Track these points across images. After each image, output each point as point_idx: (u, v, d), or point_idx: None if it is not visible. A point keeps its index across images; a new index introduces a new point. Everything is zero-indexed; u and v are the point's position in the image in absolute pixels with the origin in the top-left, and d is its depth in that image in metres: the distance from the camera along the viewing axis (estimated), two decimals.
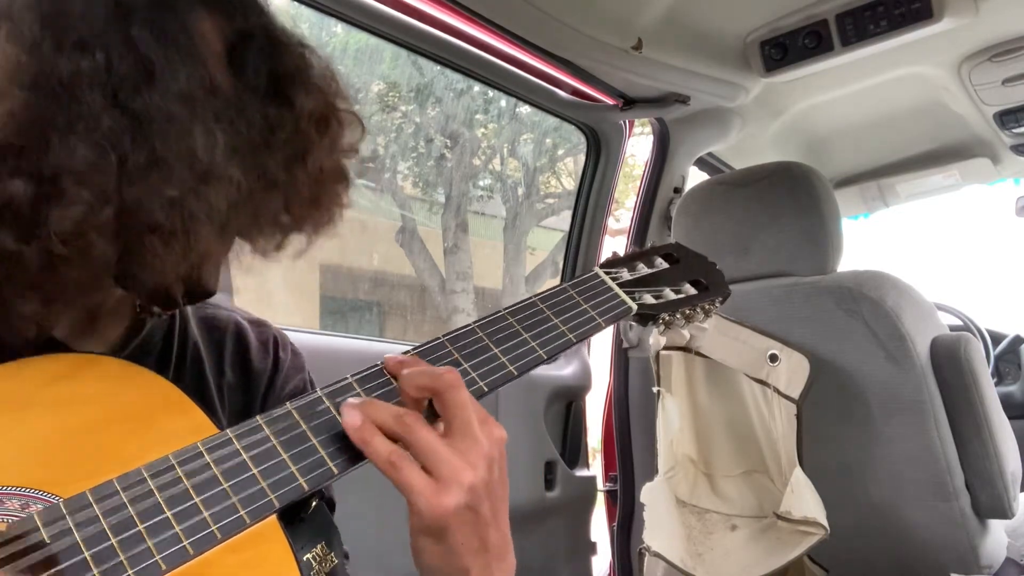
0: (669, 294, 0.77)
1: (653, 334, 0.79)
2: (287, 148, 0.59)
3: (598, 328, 0.70)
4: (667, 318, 0.76)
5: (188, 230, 0.52)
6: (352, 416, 0.54)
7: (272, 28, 0.61)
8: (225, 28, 0.58)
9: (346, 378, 0.58)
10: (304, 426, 0.54)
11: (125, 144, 0.50)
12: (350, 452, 0.54)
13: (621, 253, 0.81)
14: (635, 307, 0.73)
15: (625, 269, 0.77)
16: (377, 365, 0.59)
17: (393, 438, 0.53)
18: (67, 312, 0.58)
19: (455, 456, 0.52)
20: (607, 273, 0.75)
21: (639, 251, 0.81)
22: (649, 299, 0.75)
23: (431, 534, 0.52)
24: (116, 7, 0.52)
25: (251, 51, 0.58)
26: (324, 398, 0.56)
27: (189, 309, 0.73)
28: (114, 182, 0.50)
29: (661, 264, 0.80)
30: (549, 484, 1.82)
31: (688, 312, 0.77)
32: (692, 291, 0.79)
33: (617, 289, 0.74)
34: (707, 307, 0.79)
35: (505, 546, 0.56)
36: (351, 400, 0.55)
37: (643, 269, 0.78)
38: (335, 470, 0.53)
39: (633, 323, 0.75)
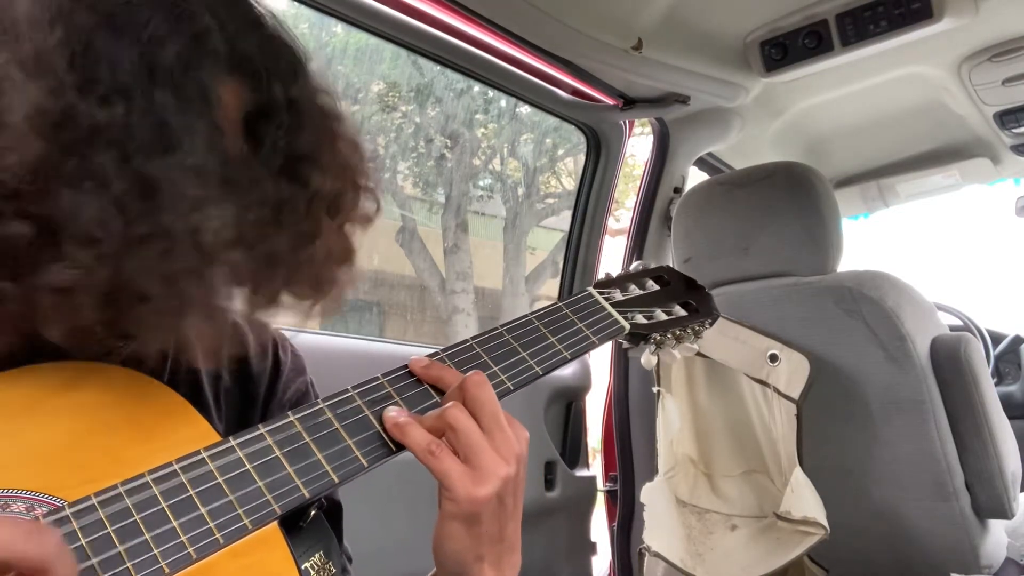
0: (660, 315, 0.80)
1: (645, 353, 0.80)
2: (295, 231, 0.57)
3: (592, 346, 0.73)
4: (658, 338, 0.79)
5: (182, 307, 0.51)
6: (394, 410, 0.57)
7: (301, 101, 0.59)
8: (247, 97, 0.56)
9: (347, 390, 0.59)
10: (305, 435, 0.55)
11: (132, 210, 0.49)
12: (351, 462, 0.55)
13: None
14: (628, 326, 0.76)
15: (618, 290, 0.80)
16: (378, 378, 0.61)
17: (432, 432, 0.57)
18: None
19: (493, 449, 0.56)
20: (600, 293, 0.78)
21: (631, 273, 0.85)
22: (641, 319, 0.78)
23: (464, 520, 0.55)
24: (142, 60, 0.50)
25: (271, 126, 0.57)
26: (326, 409, 0.57)
27: None
28: (113, 247, 0.48)
29: (652, 286, 0.83)
30: (549, 484, 1.82)
31: (679, 332, 0.80)
32: (682, 312, 0.82)
33: (610, 308, 0.76)
34: (697, 328, 0.82)
35: (517, 540, 0.60)
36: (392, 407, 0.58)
37: (635, 290, 0.81)
38: (336, 479, 0.54)
39: (625, 341, 0.77)
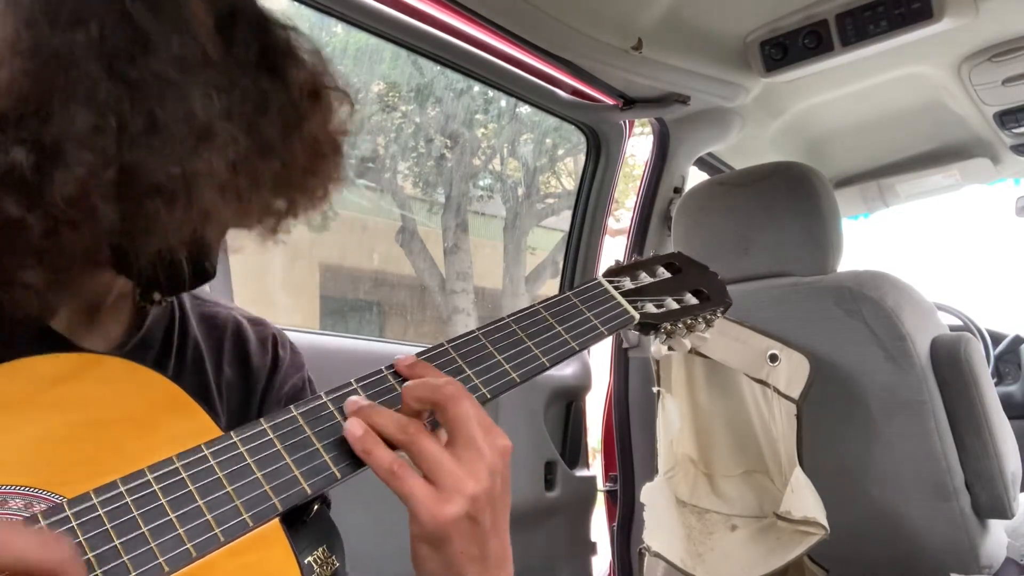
0: (671, 303, 0.77)
1: (655, 343, 0.79)
2: (282, 117, 0.59)
3: (601, 337, 0.70)
4: (669, 327, 0.76)
5: (189, 190, 0.52)
6: (354, 425, 0.54)
7: (258, 7, 0.61)
8: (214, 2, 0.58)
9: (350, 383, 0.58)
10: (308, 430, 0.54)
11: (124, 109, 0.50)
12: (353, 457, 0.54)
13: (621, 254, 0.82)
14: (637, 316, 0.73)
15: (627, 278, 0.77)
16: (381, 371, 0.59)
17: (395, 446, 0.54)
18: (70, 291, 0.58)
19: (457, 466, 0.53)
20: (609, 282, 0.75)
21: (641, 260, 0.82)
22: (651, 308, 0.75)
23: (432, 542, 0.53)
24: None
25: (240, 25, 0.58)
26: (328, 403, 0.56)
27: (188, 306, 0.73)
28: (115, 145, 0.50)
29: (663, 273, 0.80)
30: (549, 484, 1.82)
31: (690, 322, 0.77)
32: (693, 301, 0.79)
33: (620, 298, 0.74)
34: (708, 317, 0.79)
35: (505, 556, 0.57)
36: (354, 400, 0.56)
37: (645, 278, 0.78)
38: (338, 475, 0.53)
39: (635, 331, 0.75)
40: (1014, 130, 2.06)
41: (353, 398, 0.56)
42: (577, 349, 0.68)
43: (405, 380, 0.59)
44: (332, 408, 0.56)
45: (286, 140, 0.59)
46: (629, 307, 0.73)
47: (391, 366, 0.60)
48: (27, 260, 0.52)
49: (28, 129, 0.49)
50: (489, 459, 0.54)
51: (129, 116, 0.51)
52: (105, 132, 0.50)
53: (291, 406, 0.55)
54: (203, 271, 0.61)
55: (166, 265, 0.56)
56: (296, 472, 0.52)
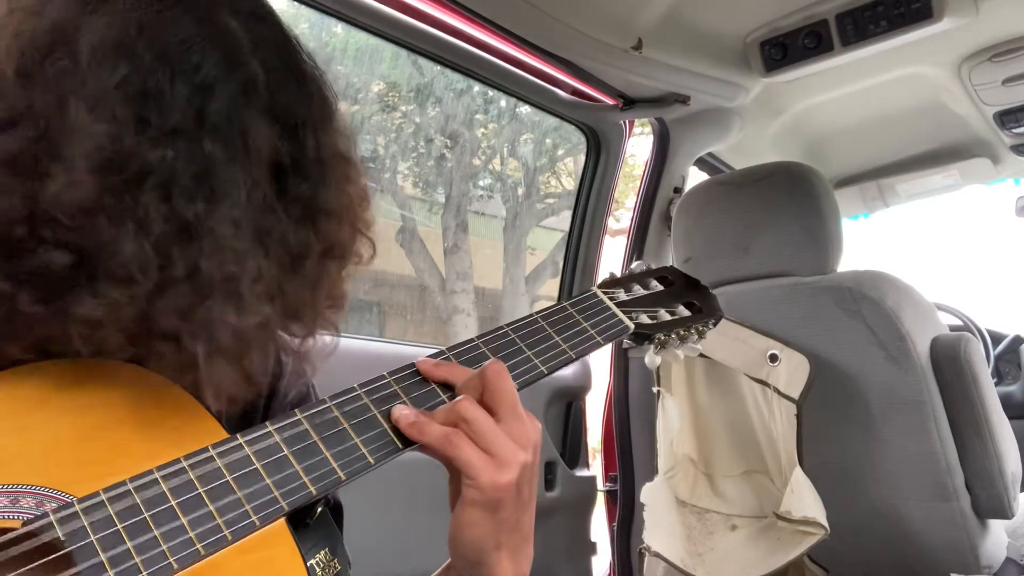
0: (664, 315, 0.80)
1: (649, 353, 0.81)
2: (308, 277, 0.59)
3: (597, 346, 0.72)
4: (662, 338, 0.79)
5: (208, 354, 0.52)
6: (405, 409, 0.57)
7: (327, 151, 0.60)
8: (280, 146, 0.57)
9: (353, 388, 0.59)
10: (312, 433, 0.55)
11: (170, 254, 0.49)
12: (358, 460, 0.55)
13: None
14: (632, 326, 0.76)
15: (622, 290, 0.80)
16: (384, 377, 0.61)
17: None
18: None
19: (509, 437, 0.56)
20: (605, 293, 0.78)
21: (635, 273, 0.85)
22: (645, 319, 0.78)
23: (487, 507, 0.55)
24: (192, 104, 0.51)
25: (299, 178, 0.58)
26: (333, 407, 0.57)
27: None
28: (148, 289, 0.49)
29: (656, 286, 0.83)
30: (549, 484, 1.82)
31: (683, 333, 0.80)
32: (686, 312, 0.82)
33: (615, 308, 0.76)
34: (700, 328, 0.82)
35: (531, 530, 0.61)
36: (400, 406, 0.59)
37: (639, 290, 0.81)
38: (343, 476, 0.54)
39: (629, 341, 0.77)
40: (1014, 130, 2.06)
41: (400, 405, 0.59)
42: (574, 357, 0.70)
43: (409, 383, 0.61)
44: (336, 413, 0.57)
45: (302, 299, 0.59)
46: (624, 317, 0.76)
47: (394, 372, 0.62)
48: (15, 340, 0.51)
49: (76, 239, 0.48)
50: (532, 433, 0.58)
51: (172, 262, 0.49)
52: (144, 272, 0.49)
53: (296, 410, 0.56)
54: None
55: None
56: (301, 473, 0.53)
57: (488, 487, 0.54)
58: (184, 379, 0.54)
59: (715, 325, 0.84)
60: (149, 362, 0.53)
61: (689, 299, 0.83)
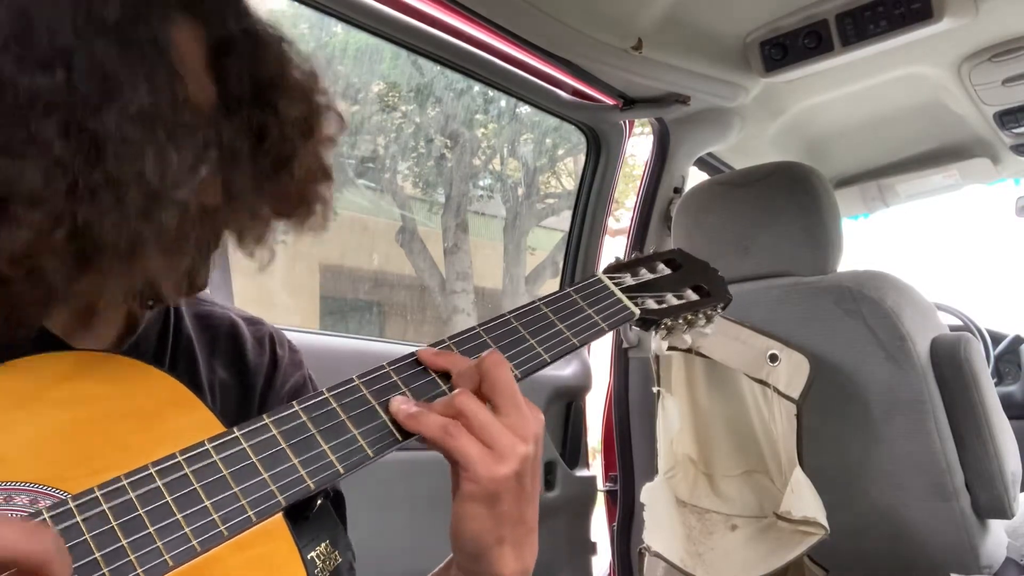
0: (671, 299, 0.77)
1: (655, 339, 0.79)
2: (273, 153, 0.59)
3: (601, 332, 0.71)
4: (669, 323, 0.76)
5: (136, 251, 0.51)
6: (402, 400, 0.57)
7: (255, 30, 0.61)
8: (206, 35, 0.57)
9: (351, 379, 0.59)
10: (310, 425, 0.55)
11: (77, 167, 0.49)
12: (356, 452, 0.55)
13: (622, 254, 0.82)
14: (638, 312, 0.74)
15: (628, 274, 0.78)
16: (384, 367, 0.60)
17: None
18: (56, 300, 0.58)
19: (507, 428, 0.56)
20: (610, 278, 0.76)
21: (641, 256, 0.82)
22: (652, 304, 0.76)
23: (485, 501, 0.55)
24: (86, 20, 0.50)
25: (233, 58, 0.58)
26: (330, 398, 0.57)
27: (184, 306, 0.73)
28: (64, 205, 0.49)
29: (663, 270, 0.81)
30: (549, 484, 1.82)
31: (690, 317, 0.78)
32: (694, 297, 0.79)
33: (620, 294, 0.74)
34: (709, 312, 0.80)
35: (535, 523, 0.59)
36: (400, 397, 0.58)
37: (645, 274, 0.79)
38: (341, 470, 0.54)
39: (635, 327, 0.76)
40: (1014, 130, 2.06)
41: (399, 396, 0.58)
42: (578, 344, 0.68)
43: (409, 373, 0.60)
44: (335, 404, 0.56)
45: (277, 176, 0.59)
46: (629, 303, 0.74)
47: (394, 362, 0.61)
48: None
49: None
50: (533, 425, 0.57)
51: (81, 174, 0.49)
52: (54, 191, 0.48)
53: (294, 402, 0.56)
54: (193, 286, 0.62)
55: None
56: (299, 467, 0.52)
57: (485, 480, 0.54)
58: (132, 284, 0.53)
59: (724, 308, 0.82)
60: (96, 277, 0.52)
61: (697, 282, 0.81)
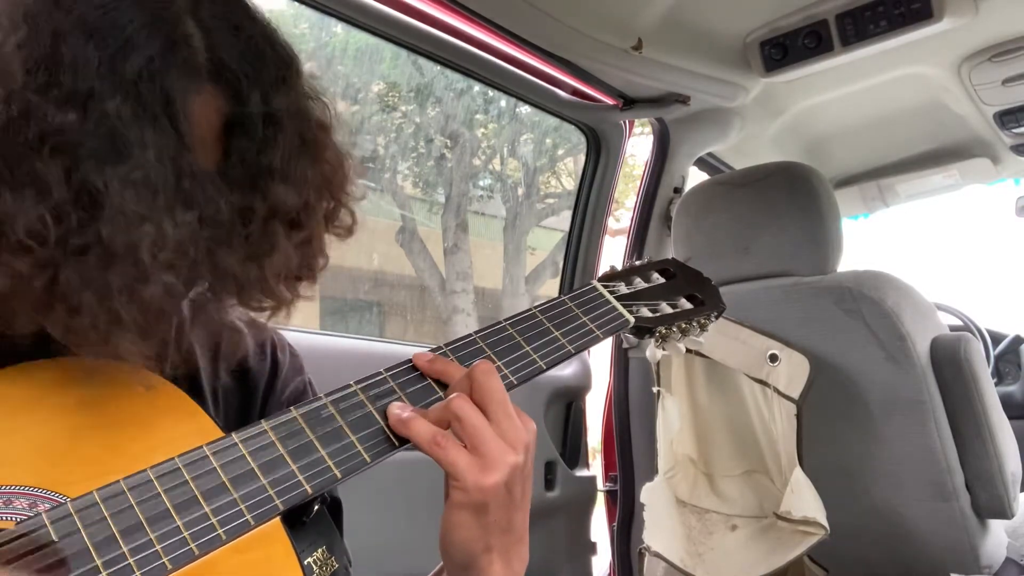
0: (665, 308, 0.79)
1: (650, 347, 0.80)
2: (250, 244, 0.55)
3: (596, 340, 0.72)
4: (664, 331, 0.78)
5: (111, 328, 0.49)
6: (396, 405, 0.57)
7: (282, 112, 0.57)
8: (224, 107, 0.54)
9: (349, 385, 0.59)
10: (308, 431, 0.55)
11: (72, 219, 0.47)
12: (354, 458, 0.55)
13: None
14: (632, 320, 0.75)
15: (623, 283, 0.79)
16: (381, 373, 0.60)
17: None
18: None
19: (498, 437, 0.56)
20: (605, 286, 0.77)
21: (636, 266, 0.84)
22: (646, 312, 0.77)
23: (473, 509, 0.55)
24: (108, 68, 0.49)
25: (243, 138, 0.55)
26: (329, 404, 0.57)
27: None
28: (49, 257, 0.47)
29: (657, 279, 0.83)
30: (549, 484, 1.82)
31: (684, 326, 0.79)
32: (688, 305, 0.81)
33: (615, 302, 0.76)
34: (702, 321, 0.81)
35: (525, 531, 0.60)
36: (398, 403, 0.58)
37: (640, 283, 0.80)
38: (339, 475, 0.54)
39: (630, 335, 0.77)
40: (1014, 130, 2.06)
41: (395, 402, 0.58)
42: (573, 352, 0.69)
43: (406, 379, 0.60)
44: (332, 410, 0.57)
45: (246, 269, 0.56)
46: (624, 311, 0.75)
47: (391, 368, 0.61)
48: None
49: None
50: (524, 434, 0.57)
51: (74, 229, 0.47)
52: (43, 241, 0.47)
53: (292, 408, 0.56)
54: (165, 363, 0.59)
55: None
56: (297, 472, 0.53)
57: (473, 488, 0.54)
58: (100, 352, 0.51)
59: (718, 317, 0.83)
60: (61, 338, 0.51)
61: (691, 291, 0.83)
